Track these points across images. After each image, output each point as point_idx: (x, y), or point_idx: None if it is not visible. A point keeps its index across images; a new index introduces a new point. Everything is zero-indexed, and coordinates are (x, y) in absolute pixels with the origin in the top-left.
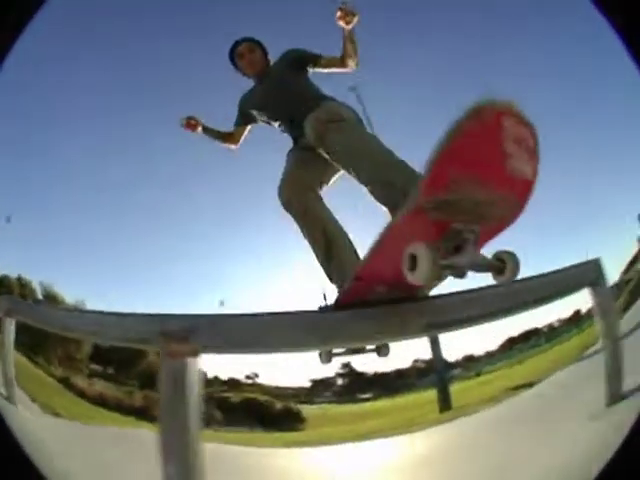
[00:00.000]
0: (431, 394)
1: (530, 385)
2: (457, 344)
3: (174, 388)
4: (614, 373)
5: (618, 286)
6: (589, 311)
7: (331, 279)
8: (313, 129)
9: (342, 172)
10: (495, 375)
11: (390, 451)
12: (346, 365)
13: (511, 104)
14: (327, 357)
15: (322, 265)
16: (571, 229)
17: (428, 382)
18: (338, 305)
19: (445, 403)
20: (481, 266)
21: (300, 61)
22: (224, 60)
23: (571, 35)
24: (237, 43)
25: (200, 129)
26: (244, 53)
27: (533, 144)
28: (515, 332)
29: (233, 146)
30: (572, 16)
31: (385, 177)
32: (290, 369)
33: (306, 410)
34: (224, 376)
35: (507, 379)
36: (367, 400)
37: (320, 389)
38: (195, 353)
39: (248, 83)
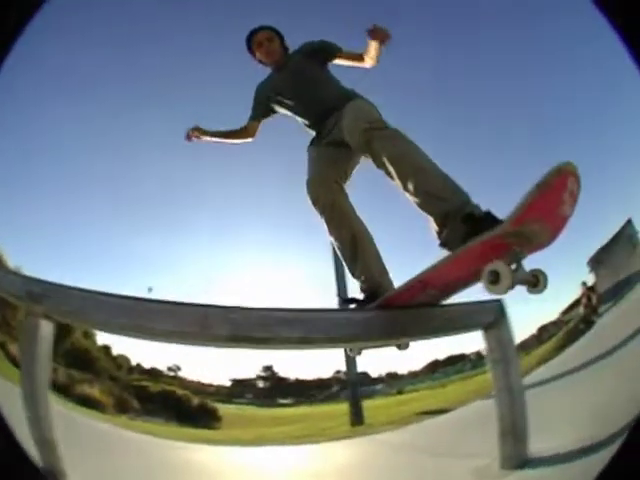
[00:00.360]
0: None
1: (445, 411)
2: (383, 360)
3: (29, 343)
4: (510, 431)
5: (557, 324)
6: (522, 342)
7: (354, 274)
8: (357, 137)
9: (362, 164)
10: (416, 395)
11: (293, 459)
12: (268, 368)
13: (575, 167)
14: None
15: (346, 260)
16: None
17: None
18: (384, 304)
19: (357, 418)
20: (525, 281)
21: (320, 53)
22: (229, 57)
23: (570, 35)
24: (255, 31)
25: (206, 137)
26: (262, 41)
27: (577, 194)
28: (442, 355)
29: (249, 140)
30: (572, 16)
31: (432, 189)
32: (213, 366)
33: (223, 409)
34: (146, 365)
35: (426, 401)
36: (286, 406)
37: (240, 390)
38: (46, 315)
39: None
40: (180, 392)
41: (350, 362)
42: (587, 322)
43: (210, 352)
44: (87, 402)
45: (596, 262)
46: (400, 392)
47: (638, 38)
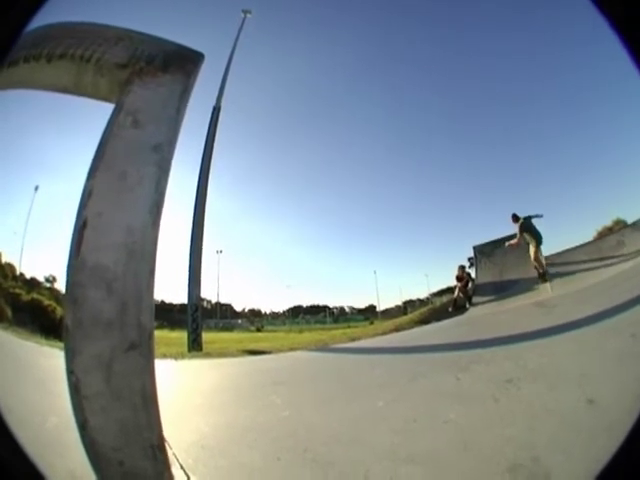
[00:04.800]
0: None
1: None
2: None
3: None
4: None
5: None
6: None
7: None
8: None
9: None
10: (267, 335)
11: None
12: None
13: None
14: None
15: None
16: None
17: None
18: None
19: (195, 344)
20: None
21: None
22: None
23: (570, 35)
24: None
25: None
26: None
27: None
28: (306, 303)
29: None
30: (571, 15)
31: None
32: None
33: None
34: (28, 274)
35: (267, 342)
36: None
37: None
38: None
39: None
40: (46, 302)
41: (192, 289)
42: (458, 307)
43: None
44: None
45: (480, 253)
46: (259, 329)
47: (638, 38)
